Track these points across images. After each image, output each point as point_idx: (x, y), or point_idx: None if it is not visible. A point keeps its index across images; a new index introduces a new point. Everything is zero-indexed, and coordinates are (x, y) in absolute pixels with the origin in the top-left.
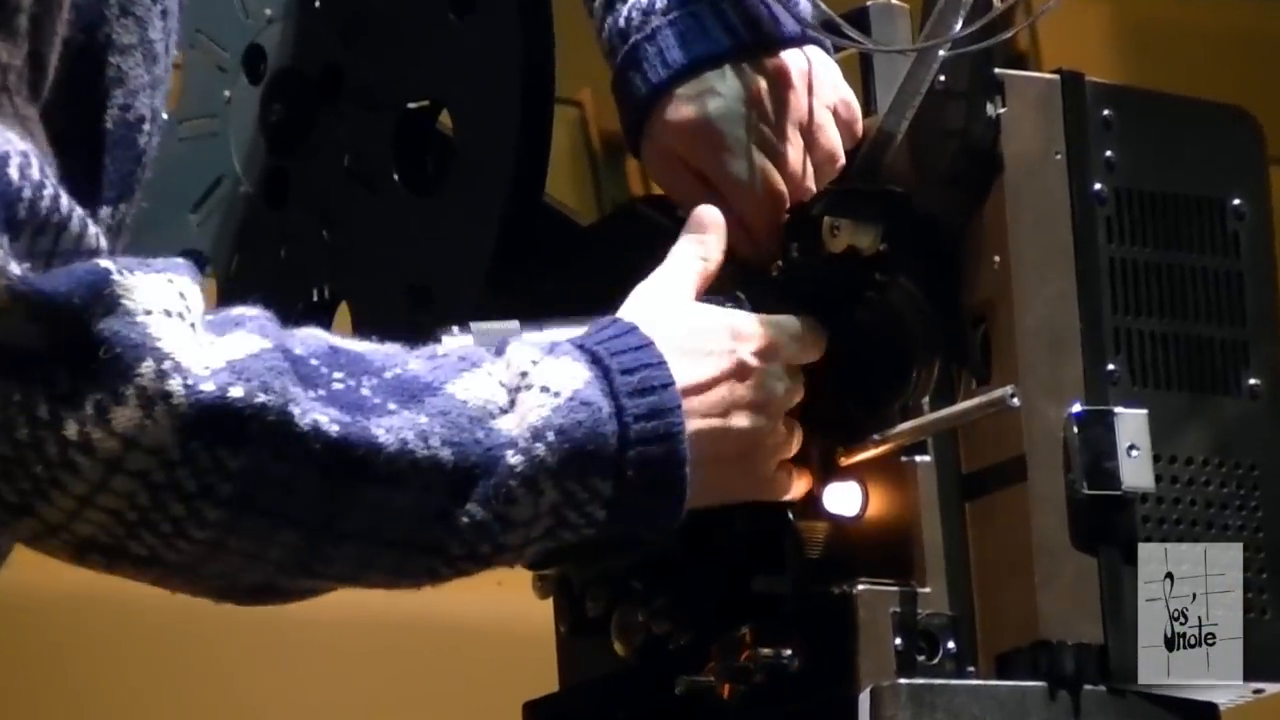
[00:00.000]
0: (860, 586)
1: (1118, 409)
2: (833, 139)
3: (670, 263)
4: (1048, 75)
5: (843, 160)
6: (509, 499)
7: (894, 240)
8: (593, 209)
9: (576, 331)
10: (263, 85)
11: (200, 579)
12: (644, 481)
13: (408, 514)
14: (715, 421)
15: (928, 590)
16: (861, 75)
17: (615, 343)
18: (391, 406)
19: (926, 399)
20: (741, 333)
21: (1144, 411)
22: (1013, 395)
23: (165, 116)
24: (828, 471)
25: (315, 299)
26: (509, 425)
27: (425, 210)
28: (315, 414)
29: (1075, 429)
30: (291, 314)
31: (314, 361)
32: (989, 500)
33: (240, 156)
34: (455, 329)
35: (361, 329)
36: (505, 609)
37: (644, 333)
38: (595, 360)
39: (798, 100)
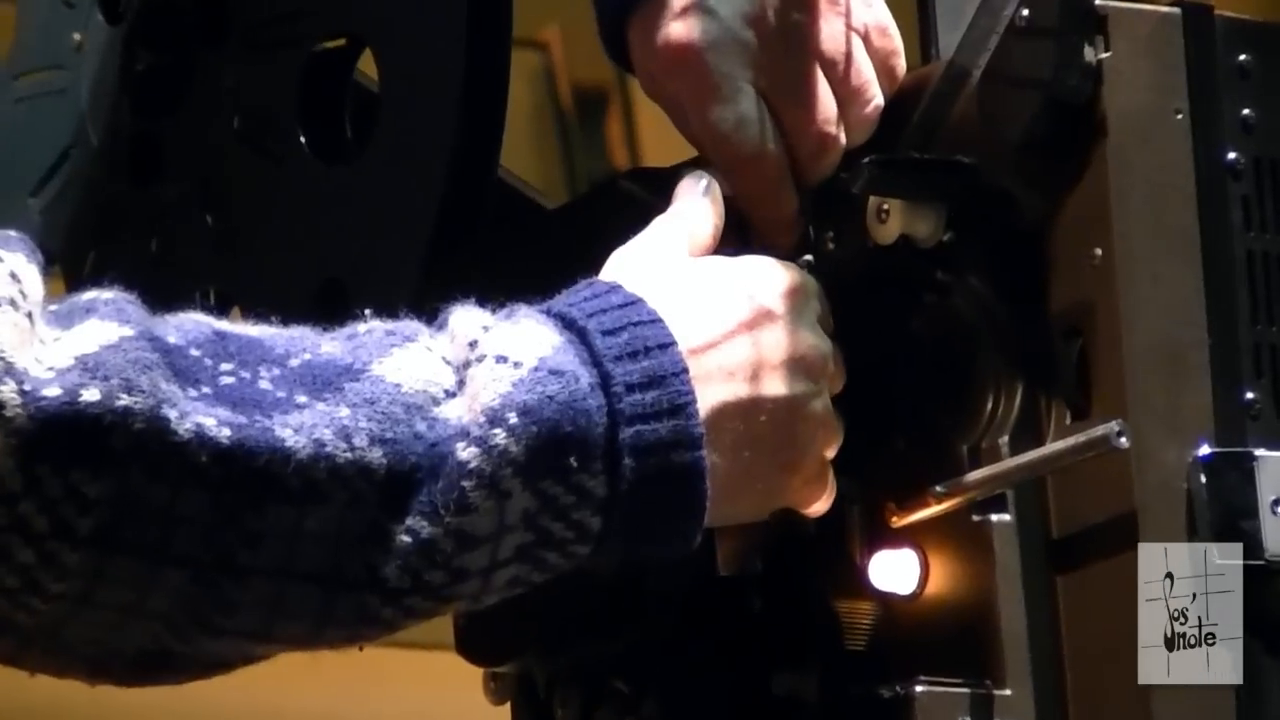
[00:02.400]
0: (919, 688)
1: (1259, 451)
2: (867, 79)
3: (649, 231)
4: (1164, 8)
5: (880, 104)
6: (463, 507)
7: (961, 228)
8: (562, 186)
9: None
10: (124, 25)
11: (64, 649)
12: (648, 473)
13: (330, 538)
14: (742, 388)
15: (1007, 692)
16: (919, 9)
17: (592, 303)
18: (300, 399)
19: (1005, 438)
20: (757, 274)
21: None
22: (1119, 433)
23: None
24: (875, 536)
25: (198, 303)
26: (457, 411)
27: (341, 184)
28: (199, 416)
29: (1203, 478)
30: None
31: (194, 351)
32: (1087, 573)
33: (96, 120)
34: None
35: None
36: (454, 715)
37: (628, 290)
38: (567, 323)
39: (826, 26)
